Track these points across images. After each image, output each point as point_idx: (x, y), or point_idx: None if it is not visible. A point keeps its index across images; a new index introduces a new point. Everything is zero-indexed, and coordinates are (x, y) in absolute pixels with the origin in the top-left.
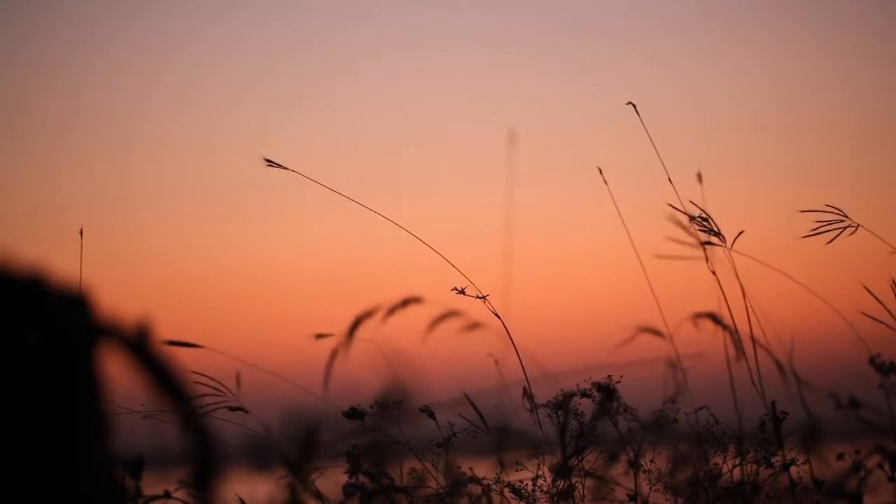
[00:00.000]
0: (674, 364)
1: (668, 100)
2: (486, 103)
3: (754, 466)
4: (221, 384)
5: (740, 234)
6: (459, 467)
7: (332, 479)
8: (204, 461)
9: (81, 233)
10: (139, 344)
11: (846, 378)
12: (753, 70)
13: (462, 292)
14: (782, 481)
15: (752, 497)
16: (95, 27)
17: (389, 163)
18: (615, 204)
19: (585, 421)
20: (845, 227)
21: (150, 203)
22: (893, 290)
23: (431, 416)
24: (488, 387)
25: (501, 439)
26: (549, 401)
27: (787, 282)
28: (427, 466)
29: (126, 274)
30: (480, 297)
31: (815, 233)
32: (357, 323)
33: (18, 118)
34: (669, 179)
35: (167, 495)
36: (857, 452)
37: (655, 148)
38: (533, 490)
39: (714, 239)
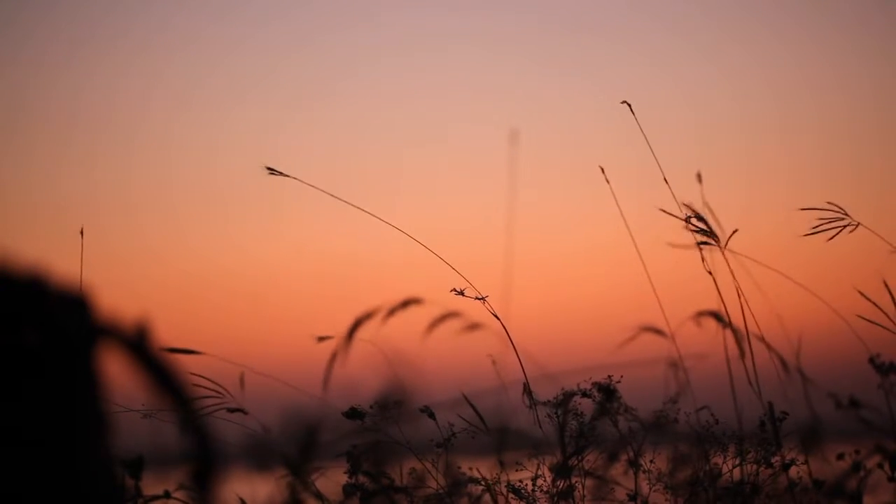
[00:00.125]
0: (675, 364)
1: (667, 99)
2: (486, 103)
3: (754, 466)
4: (220, 386)
5: (734, 232)
6: (459, 467)
7: (332, 479)
8: (204, 461)
9: (82, 233)
10: (139, 344)
11: (846, 378)
12: (753, 70)
13: (461, 293)
14: (782, 481)
15: (752, 497)
16: (95, 27)
17: (389, 163)
18: (617, 203)
19: (585, 421)
20: (846, 225)
21: (151, 203)
22: (888, 291)
23: (431, 416)
24: (488, 387)
25: (501, 439)
26: (549, 400)
27: (786, 281)
28: (427, 466)
29: (126, 274)
30: (479, 299)
31: (816, 230)
32: (356, 325)
33: (19, 118)
34: (665, 180)
35: (167, 495)
36: (857, 452)
37: (651, 147)
38: (533, 490)
39: (710, 239)
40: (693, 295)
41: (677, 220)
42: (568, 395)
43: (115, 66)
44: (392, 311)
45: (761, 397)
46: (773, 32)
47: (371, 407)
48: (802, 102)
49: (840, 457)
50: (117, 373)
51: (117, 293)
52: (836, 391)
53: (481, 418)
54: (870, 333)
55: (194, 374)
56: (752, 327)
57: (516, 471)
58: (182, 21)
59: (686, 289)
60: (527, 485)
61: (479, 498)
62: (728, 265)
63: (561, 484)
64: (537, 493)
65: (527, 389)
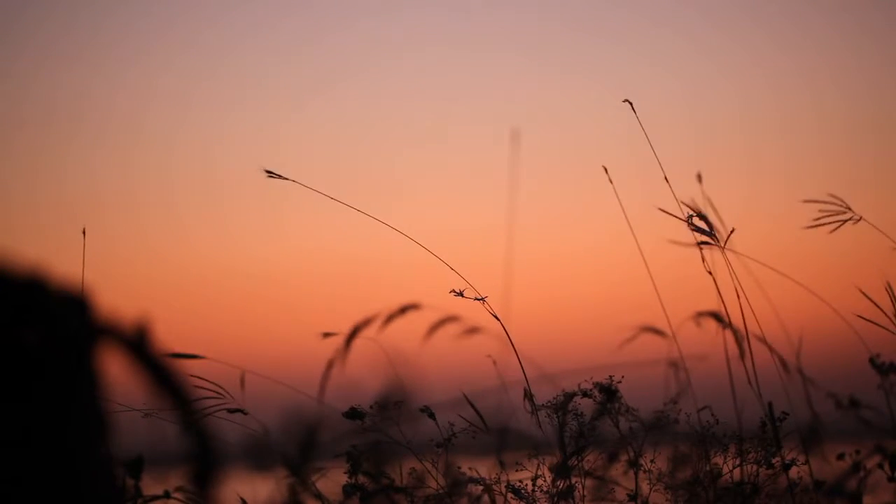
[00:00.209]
0: (675, 364)
1: (667, 99)
2: (486, 103)
3: (754, 467)
4: (220, 387)
5: (732, 231)
6: (459, 467)
7: (332, 479)
8: (204, 461)
9: (84, 233)
10: (139, 344)
11: (846, 378)
12: (753, 69)
13: (460, 295)
14: (782, 481)
15: (752, 497)
16: (97, 27)
17: (390, 162)
18: (619, 202)
19: (585, 421)
20: (848, 219)
21: (151, 203)
22: (888, 292)
23: (431, 416)
24: (488, 387)
25: (501, 439)
26: (549, 401)
27: (786, 281)
28: (427, 467)
29: (128, 274)
30: (479, 300)
31: (819, 223)
32: (355, 332)
33: (20, 118)
34: (666, 179)
35: (167, 495)
36: (857, 452)
37: (651, 146)
38: (533, 490)
39: (709, 239)
40: (693, 294)
41: (678, 219)
42: (568, 397)
43: (116, 67)
44: (390, 318)
45: (761, 397)
46: (773, 32)
47: (371, 407)
48: (802, 102)
49: (840, 457)
50: (117, 373)
51: (118, 293)
52: (836, 391)
53: (481, 418)
54: (870, 333)
55: (194, 376)
56: (752, 327)
57: (516, 471)
58: (183, 21)
59: (686, 288)
60: (527, 485)
61: (479, 498)
62: (728, 265)
63: (561, 484)
64: (537, 494)
65: (528, 395)
